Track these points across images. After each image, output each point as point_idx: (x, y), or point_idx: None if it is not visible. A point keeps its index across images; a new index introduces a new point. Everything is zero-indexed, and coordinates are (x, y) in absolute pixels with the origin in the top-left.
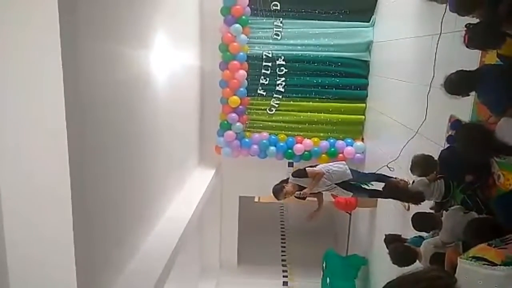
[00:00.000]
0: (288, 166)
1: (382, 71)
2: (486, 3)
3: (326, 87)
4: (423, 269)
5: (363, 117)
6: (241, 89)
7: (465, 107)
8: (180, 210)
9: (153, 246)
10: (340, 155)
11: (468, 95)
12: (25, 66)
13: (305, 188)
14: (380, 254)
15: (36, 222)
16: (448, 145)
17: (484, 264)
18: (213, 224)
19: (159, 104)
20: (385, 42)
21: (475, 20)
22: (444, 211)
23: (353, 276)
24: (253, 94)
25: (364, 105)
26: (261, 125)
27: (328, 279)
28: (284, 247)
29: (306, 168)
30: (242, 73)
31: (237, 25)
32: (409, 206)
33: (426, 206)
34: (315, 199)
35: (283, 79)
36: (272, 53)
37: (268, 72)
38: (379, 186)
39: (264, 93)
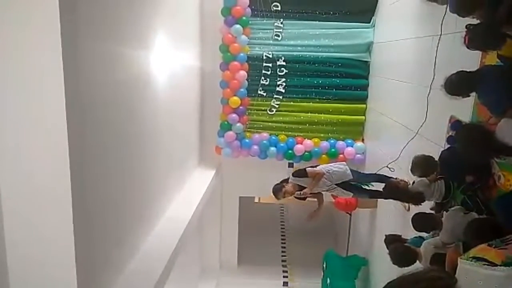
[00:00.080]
0: (288, 166)
1: (383, 72)
2: (486, 4)
3: (327, 87)
4: (423, 269)
5: (363, 117)
6: (242, 89)
7: (465, 108)
8: (180, 210)
9: (153, 246)
10: (341, 155)
11: (469, 95)
12: (25, 66)
13: (305, 188)
14: (380, 254)
15: (36, 222)
16: (449, 145)
17: (484, 265)
18: (213, 224)
19: (159, 104)
20: (386, 43)
21: (475, 21)
22: (444, 212)
23: (353, 276)
24: (253, 95)
25: (364, 105)
26: (261, 126)
27: (328, 279)
28: (284, 247)
29: (306, 168)
30: (243, 73)
31: (238, 26)
32: (409, 207)
33: (426, 207)
34: (315, 199)
35: (283, 79)
36: (272, 54)
37: (269, 72)
38: (379, 186)
39: (265, 94)
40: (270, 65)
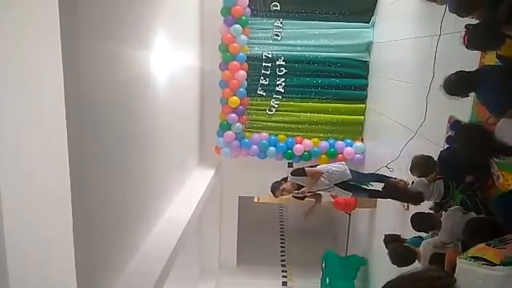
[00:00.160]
0: (288, 166)
1: (382, 71)
2: (485, 4)
3: (326, 87)
4: (422, 269)
5: (362, 117)
6: (241, 89)
7: (464, 108)
8: (179, 210)
9: (152, 246)
10: (340, 155)
11: (468, 95)
12: (25, 66)
13: (303, 187)
14: (380, 254)
15: (36, 222)
16: (448, 145)
17: (483, 264)
18: (212, 224)
19: (159, 104)
20: (385, 43)
21: (474, 21)
22: (444, 212)
23: (353, 276)
24: (253, 95)
25: (363, 105)
26: (260, 126)
27: (327, 279)
28: (284, 247)
29: (305, 167)
30: (242, 73)
31: (237, 26)
32: (408, 206)
33: (425, 207)
34: (314, 199)
35: (283, 79)
36: (272, 54)
37: (268, 72)
38: (378, 186)
39: (264, 94)
40: (270, 65)
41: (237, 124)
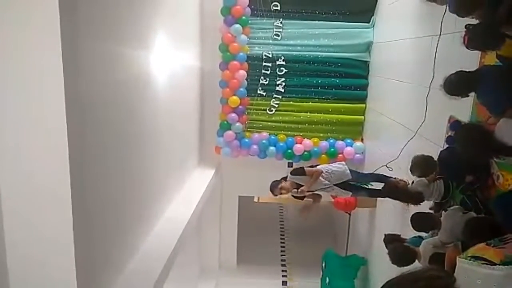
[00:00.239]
0: (288, 166)
1: (382, 71)
2: (485, 4)
3: (326, 87)
4: (422, 268)
5: (362, 117)
6: (241, 89)
7: (464, 108)
8: (179, 210)
9: (152, 246)
10: (340, 155)
11: (468, 95)
12: (25, 66)
13: (302, 186)
14: (380, 254)
15: (36, 222)
16: (448, 145)
17: (483, 264)
18: (212, 224)
19: (159, 104)
20: (385, 43)
21: (474, 21)
22: (443, 211)
23: (353, 276)
24: (253, 94)
25: (363, 105)
26: (260, 125)
27: (327, 279)
28: (284, 247)
29: (304, 167)
30: (242, 73)
31: (237, 25)
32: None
33: (425, 206)
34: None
35: (283, 79)
36: (272, 54)
37: (268, 72)
38: (378, 186)
39: (264, 93)
40: (270, 64)
41: (237, 124)
